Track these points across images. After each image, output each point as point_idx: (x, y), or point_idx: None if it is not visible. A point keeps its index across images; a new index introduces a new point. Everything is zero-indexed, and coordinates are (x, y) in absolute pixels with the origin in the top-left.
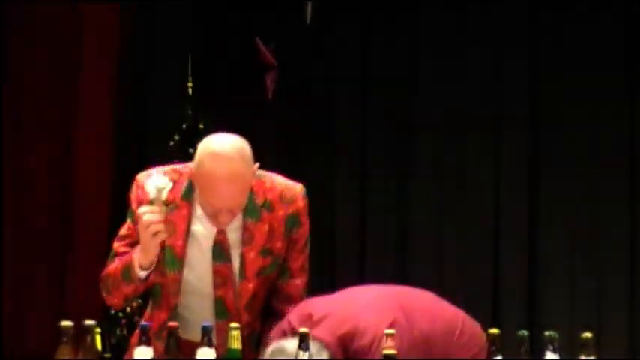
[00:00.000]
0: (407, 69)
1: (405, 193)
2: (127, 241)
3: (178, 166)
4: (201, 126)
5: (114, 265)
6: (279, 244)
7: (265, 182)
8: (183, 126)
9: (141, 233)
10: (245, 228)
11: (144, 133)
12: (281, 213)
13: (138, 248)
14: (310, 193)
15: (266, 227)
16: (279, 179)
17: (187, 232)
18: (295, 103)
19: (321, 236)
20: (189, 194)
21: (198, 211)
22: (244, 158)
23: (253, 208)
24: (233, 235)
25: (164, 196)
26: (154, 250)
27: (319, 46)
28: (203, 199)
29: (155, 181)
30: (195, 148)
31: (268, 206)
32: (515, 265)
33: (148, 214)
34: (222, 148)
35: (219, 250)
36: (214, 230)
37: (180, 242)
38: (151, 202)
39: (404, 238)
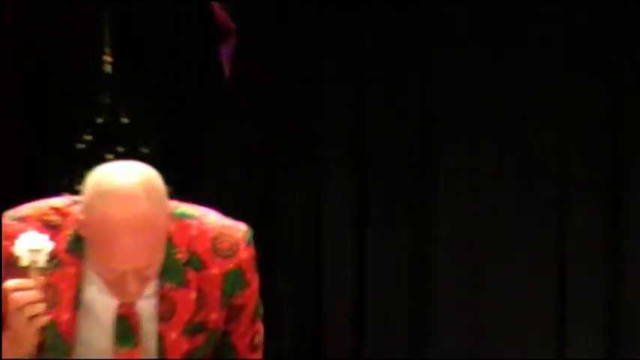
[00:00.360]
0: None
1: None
2: None
3: (61, 202)
4: (124, 120)
5: None
6: (214, 316)
7: (190, 226)
8: (99, 120)
9: (11, 318)
10: (163, 296)
11: (43, 135)
12: (215, 271)
13: (6, 335)
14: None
15: (193, 294)
16: (212, 219)
17: (77, 300)
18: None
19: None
20: (78, 245)
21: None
22: (154, 195)
23: (173, 267)
24: (144, 304)
25: (42, 261)
26: (30, 340)
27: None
28: (99, 259)
29: (29, 240)
30: (115, 153)
31: (196, 262)
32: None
33: (20, 292)
34: (122, 183)
35: (124, 328)
36: (116, 300)
37: (67, 316)
38: (22, 271)
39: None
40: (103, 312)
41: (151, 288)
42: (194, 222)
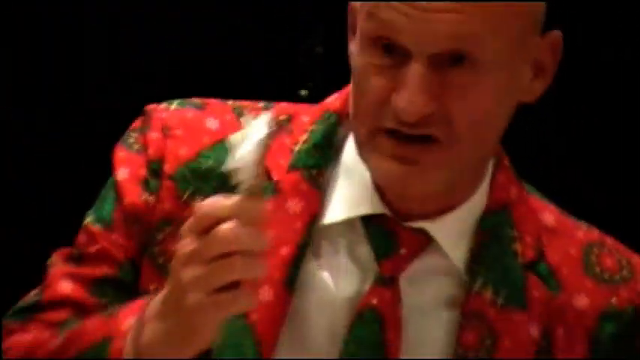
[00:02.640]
0: None
1: None
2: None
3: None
4: (319, 50)
5: (49, 344)
6: None
7: (542, 210)
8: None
9: (187, 275)
10: (470, 312)
11: None
12: (583, 302)
13: (151, 310)
14: None
15: (536, 330)
16: (570, 219)
17: (294, 267)
18: None
19: None
20: (316, 155)
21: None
22: None
23: (502, 263)
24: (426, 310)
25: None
26: (210, 331)
27: None
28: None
29: (258, 128)
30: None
31: (547, 275)
32: None
33: (231, 226)
34: None
35: (367, 332)
36: (374, 267)
37: (270, 295)
38: (244, 194)
39: None
40: (344, 283)
41: (450, 286)
42: (547, 205)
